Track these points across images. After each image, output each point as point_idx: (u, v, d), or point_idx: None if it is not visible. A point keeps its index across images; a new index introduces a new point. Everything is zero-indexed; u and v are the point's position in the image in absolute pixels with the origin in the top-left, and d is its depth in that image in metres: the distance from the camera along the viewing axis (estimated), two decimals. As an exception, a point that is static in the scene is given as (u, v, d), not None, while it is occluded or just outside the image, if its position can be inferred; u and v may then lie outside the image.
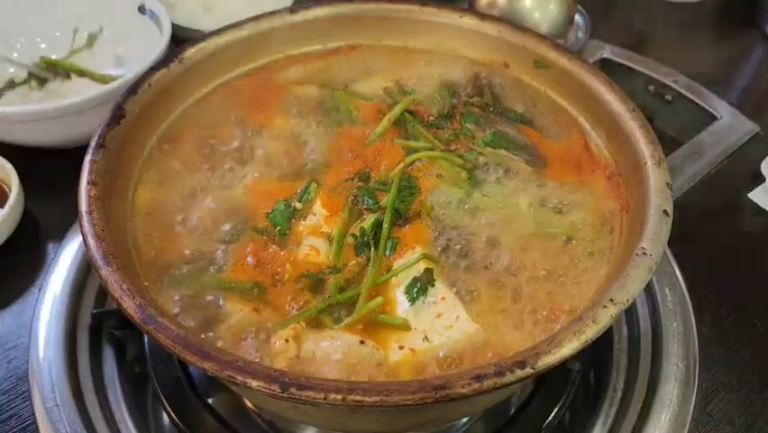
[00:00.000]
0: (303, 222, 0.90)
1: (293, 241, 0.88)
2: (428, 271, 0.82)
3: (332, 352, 0.74)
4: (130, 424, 0.92)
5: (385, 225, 0.87)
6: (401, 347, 0.76)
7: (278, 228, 0.89)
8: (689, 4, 2.00)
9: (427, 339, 0.77)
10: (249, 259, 0.85)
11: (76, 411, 0.90)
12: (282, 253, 0.86)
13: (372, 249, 0.85)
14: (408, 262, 0.83)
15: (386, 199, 0.90)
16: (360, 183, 0.94)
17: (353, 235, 0.87)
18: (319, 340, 0.76)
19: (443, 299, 0.80)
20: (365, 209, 0.90)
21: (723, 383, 1.07)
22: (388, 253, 0.85)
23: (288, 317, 0.78)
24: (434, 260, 0.84)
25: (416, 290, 0.80)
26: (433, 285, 0.81)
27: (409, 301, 0.80)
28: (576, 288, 0.82)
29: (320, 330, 0.77)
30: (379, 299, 0.80)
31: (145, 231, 0.89)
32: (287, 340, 0.75)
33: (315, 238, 0.88)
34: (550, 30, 1.29)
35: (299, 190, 0.93)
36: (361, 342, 0.75)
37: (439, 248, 0.86)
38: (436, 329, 0.77)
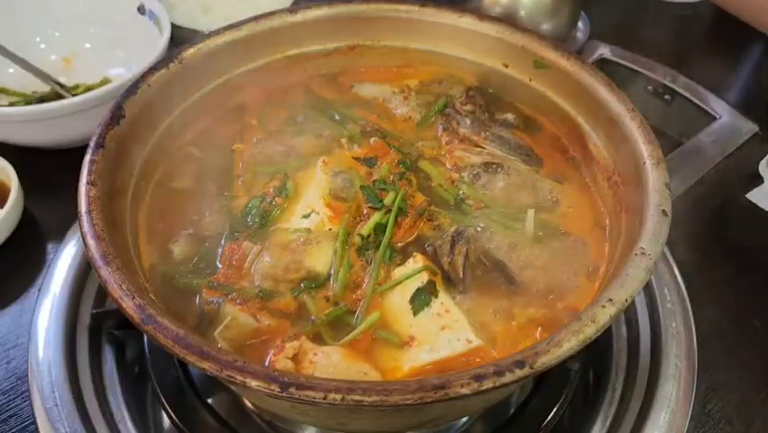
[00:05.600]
0: (305, 221, 0.90)
1: (293, 243, 0.88)
2: (431, 283, 0.82)
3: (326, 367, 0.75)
4: (129, 424, 0.93)
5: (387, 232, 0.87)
6: (403, 364, 0.77)
7: (263, 226, 0.90)
8: (688, 4, 2.00)
9: (431, 351, 0.77)
10: (249, 262, 0.85)
11: (75, 411, 0.90)
12: (283, 255, 0.86)
13: (372, 264, 0.85)
14: (408, 273, 0.83)
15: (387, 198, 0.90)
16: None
17: (360, 235, 0.87)
18: (316, 357, 0.76)
19: (447, 311, 0.80)
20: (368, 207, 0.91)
21: (722, 383, 1.07)
22: (387, 260, 0.85)
23: (288, 334, 0.79)
24: (434, 271, 0.84)
25: (419, 301, 0.80)
26: (436, 296, 0.81)
27: (413, 313, 0.80)
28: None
29: (319, 345, 0.78)
30: (376, 315, 0.80)
31: (145, 231, 0.89)
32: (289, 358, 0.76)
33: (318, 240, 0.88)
34: (553, 32, 1.29)
35: (276, 187, 0.94)
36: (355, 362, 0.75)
37: (439, 250, 0.86)
38: (441, 342, 0.77)
